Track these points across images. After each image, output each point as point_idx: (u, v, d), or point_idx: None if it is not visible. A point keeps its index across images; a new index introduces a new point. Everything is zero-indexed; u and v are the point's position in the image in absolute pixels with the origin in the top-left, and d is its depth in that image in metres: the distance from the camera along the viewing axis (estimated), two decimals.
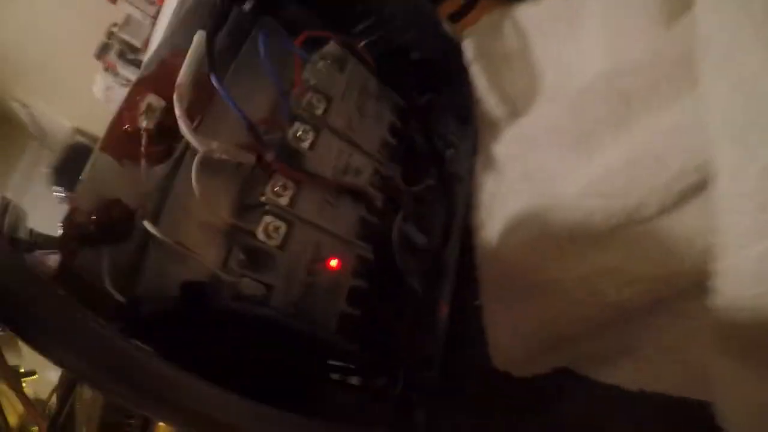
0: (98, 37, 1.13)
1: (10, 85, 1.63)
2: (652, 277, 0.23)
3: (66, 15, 1.20)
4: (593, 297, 0.24)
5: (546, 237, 0.26)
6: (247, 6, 0.39)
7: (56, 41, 1.29)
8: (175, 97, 0.31)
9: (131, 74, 1.18)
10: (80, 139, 1.56)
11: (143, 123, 0.33)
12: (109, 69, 1.15)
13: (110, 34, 1.10)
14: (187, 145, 0.32)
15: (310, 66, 0.36)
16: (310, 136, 0.32)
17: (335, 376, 0.32)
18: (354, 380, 0.31)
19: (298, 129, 0.32)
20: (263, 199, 0.29)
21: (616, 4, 0.34)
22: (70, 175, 1.39)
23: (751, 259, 0.20)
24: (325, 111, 0.33)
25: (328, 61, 0.36)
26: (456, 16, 0.52)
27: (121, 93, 1.26)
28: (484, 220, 0.33)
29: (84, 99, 1.29)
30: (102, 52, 1.13)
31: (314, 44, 0.38)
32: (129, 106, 0.34)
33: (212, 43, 0.33)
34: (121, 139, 0.34)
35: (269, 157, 0.29)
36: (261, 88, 0.35)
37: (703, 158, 0.24)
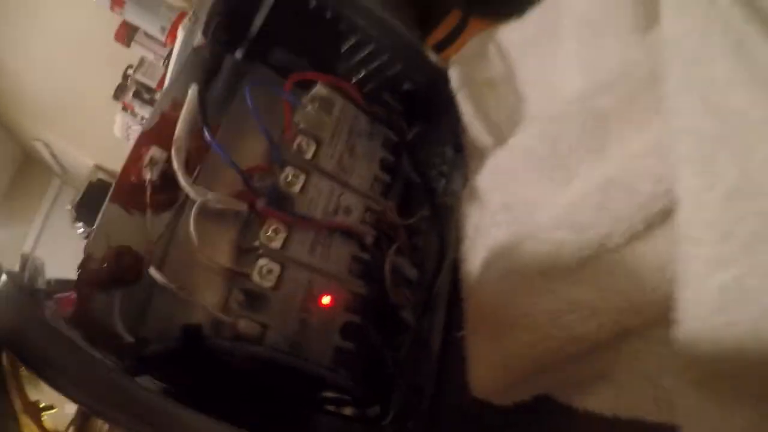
0: (116, 78, 1.20)
1: (32, 125, 1.73)
2: (621, 308, 0.24)
3: (85, 58, 1.28)
4: (561, 331, 0.25)
5: (518, 271, 0.28)
6: (238, 54, 0.43)
7: (76, 83, 1.37)
8: (173, 151, 0.34)
9: (148, 113, 1.24)
10: (101, 176, 1.64)
11: (147, 175, 0.36)
12: (127, 109, 1.22)
13: (126, 76, 1.17)
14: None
15: (300, 110, 0.39)
16: (301, 180, 0.34)
17: (330, 407, 0.34)
18: (348, 411, 0.33)
19: (289, 174, 0.34)
20: (257, 243, 0.32)
21: (589, 19, 0.35)
22: (91, 211, 1.46)
23: (713, 291, 0.21)
24: (315, 154, 0.36)
25: (317, 104, 0.39)
26: (443, 44, 0.55)
27: (138, 130, 1.33)
28: (468, 252, 0.34)
29: (104, 137, 1.37)
30: (120, 93, 1.19)
31: (305, 86, 0.41)
32: (134, 159, 0.37)
33: (203, 97, 0.36)
34: (128, 190, 0.37)
35: (260, 204, 0.32)
36: (254, 135, 0.38)
37: (673, 181, 0.25)
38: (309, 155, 0.36)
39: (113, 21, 1.07)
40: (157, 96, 1.17)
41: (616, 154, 0.29)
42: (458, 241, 0.36)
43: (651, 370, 0.24)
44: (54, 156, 1.84)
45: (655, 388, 0.23)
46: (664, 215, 0.26)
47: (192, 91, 0.36)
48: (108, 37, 1.10)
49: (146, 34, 1.05)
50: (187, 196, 0.36)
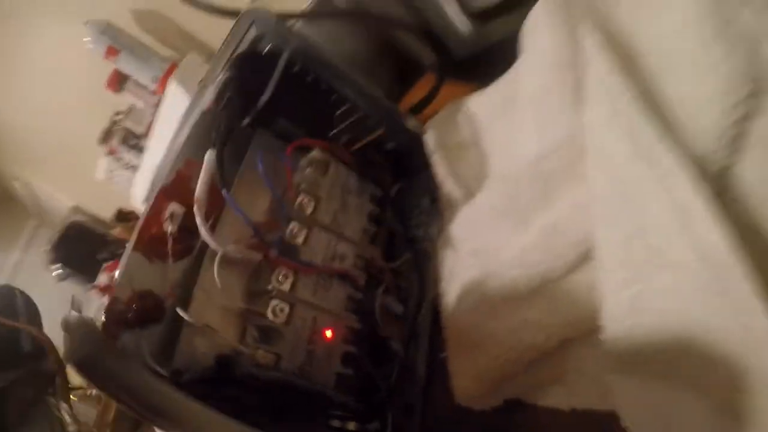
0: (101, 123, 1.26)
1: (12, 164, 1.75)
2: (563, 323, 0.32)
3: (73, 102, 1.34)
4: (519, 344, 0.33)
5: (485, 302, 0.36)
6: (245, 122, 0.50)
7: (62, 126, 1.42)
8: (195, 209, 0.41)
9: (133, 158, 1.30)
10: (79, 218, 1.67)
11: (168, 228, 0.43)
12: (112, 153, 1.28)
13: (114, 122, 1.23)
14: (204, 243, 0.42)
15: (299, 172, 0.47)
16: (303, 233, 0.42)
17: (335, 423, 0.40)
18: (351, 425, 0.40)
19: (294, 228, 0.42)
20: (270, 287, 0.39)
21: (539, 94, 0.44)
22: (70, 253, 1.48)
23: (624, 302, 0.29)
24: (314, 210, 0.44)
25: (314, 167, 0.46)
26: (420, 105, 0.64)
27: (123, 175, 1.37)
28: (445, 289, 0.42)
29: (86, 180, 1.41)
30: (105, 137, 1.25)
31: (303, 149, 0.48)
32: (155, 213, 0.44)
33: (222, 163, 0.43)
34: (149, 241, 0.44)
35: (273, 254, 0.39)
36: (261, 193, 0.45)
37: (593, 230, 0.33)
38: (309, 211, 0.44)
39: (105, 68, 1.14)
40: (144, 142, 1.24)
41: (559, 206, 0.38)
42: (436, 280, 0.44)
43: (592, 369, 0.32)
44: (33, 196, 1.87)
45: (597, 383, 0.31)
46: (589, 252, 0.34)
47: (210, 155, 0.44)
48: (97, 83, 1.17)
49: (137, 83, 1.13)
50: (201, 246, 0.42)
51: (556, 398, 0.33)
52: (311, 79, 0.49)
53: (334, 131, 0.53)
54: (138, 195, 1.31)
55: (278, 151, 0.49)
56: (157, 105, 1.13)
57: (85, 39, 1.08)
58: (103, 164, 1.31)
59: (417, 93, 0.66)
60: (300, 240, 0.42)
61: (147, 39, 1.15)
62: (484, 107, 0.52)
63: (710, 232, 0.24)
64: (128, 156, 1.29)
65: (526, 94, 0.46)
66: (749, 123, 0.27)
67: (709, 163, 0.27)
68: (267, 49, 0.47)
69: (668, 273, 0.26)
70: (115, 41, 1.07)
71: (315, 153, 0.48)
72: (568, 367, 0.33)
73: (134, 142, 1.24)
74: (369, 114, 0.53)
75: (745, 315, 0.23)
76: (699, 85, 0.29)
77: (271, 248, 0.40)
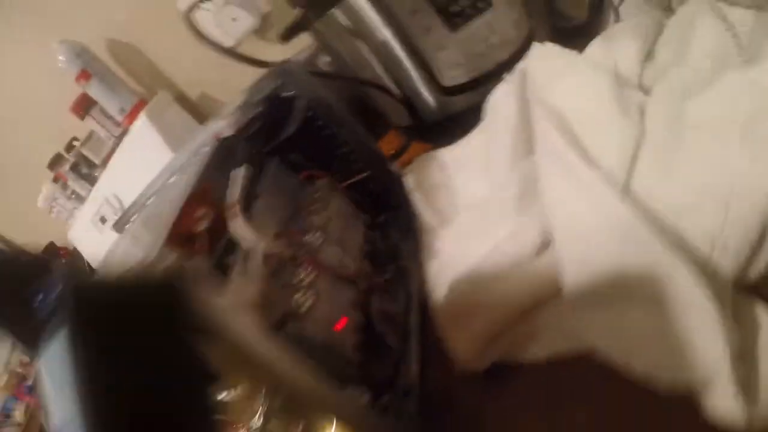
0: (54, 146, 1.26)
1: None
2: (532, 294, 0.45)
3: (30, 122, 1.31)
4: (503, 308, 0.45)
5: (469, 290, 0.49)
6: (264, 150, 0.60)
7: (12, 140, 1.38)
8: (231, 212, 0.50)
9: (80, 188, 1.30)
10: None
11: (199, 227, 0.51)
12: (58, 180, 1.27)
13: (70, 147, 1.24)
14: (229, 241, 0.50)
15: (310, 194, 0.57)
16: (320, 241, 0.52)
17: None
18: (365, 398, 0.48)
19: (313, 236, 0.51)
20: (295, 281, 0.48)
21: (488, 148, 0.59)
22: None
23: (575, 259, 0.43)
24: (325, 226, 0.54)
25: (323, 192, 0.57)
26: (394, 156, 0.77)
27: (65, 204, 1.35)
28: (432, 289, 0.54)
29: (22, 206, 1.37)
30: (56, 161, 1.25)
31: (309, 178, 0.59)
32: (186, 214, 0.52)
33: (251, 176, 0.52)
34: (179, 238, 0.51)
35: (302, 252, 0.48)
36: (277, 208, 0.55)
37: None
38: (322, 224, 0.54)
39: (72, 91, 1.16)
40: (97, 172, 1.25)
41: (513, 222, 0.52)
42: (422, 284, 0.56)
43: (558, 324, 0.44)
44: None
45: (563, 333, 0.43)
46: (545, 243, 0.47)
47: (244, 170, 0.53)
48: (61, 105, 1.18)
49: (103, 111, 1.16)
50: (227, 242, 0.50)
51: (533, 352, 0.44)
52: (321, 124, 0.61)
53: (336, 167, 0.64)
54: (76, 231, 1.29)
55: (288, 177, 0.59)
56: (120, 137, 1.17)
57: (59, 57, 1.10)
58: (47, 190, 1.29)
59: (384, 146, 0.80)
60: (317, 246, 0.51)
61: (117, 70, 1.20)
62: (451, 159, 0.67)
63: (621, 210, 0.40)
64: (75, 185, 1.29)
65: (490, 149, 0.61)
66: (636, 159, 0.43)
67: (616, 179, 0.43)
68: (291, 94, 0.58)
69: (603, 235, 0.41)
70: (88, 65, 1.11)
71: (323, 182, 0.58)
72: (539, 326, 0.45)
73: (86, 171, 1.25)
74: (359, 155, 0.65)
75: (650, 252, 0.37)
76: (608, 138, 0.45)
77: (300, 249, 0.49)
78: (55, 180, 1.29)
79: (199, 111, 1.24)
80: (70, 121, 1.21)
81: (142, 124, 1.12)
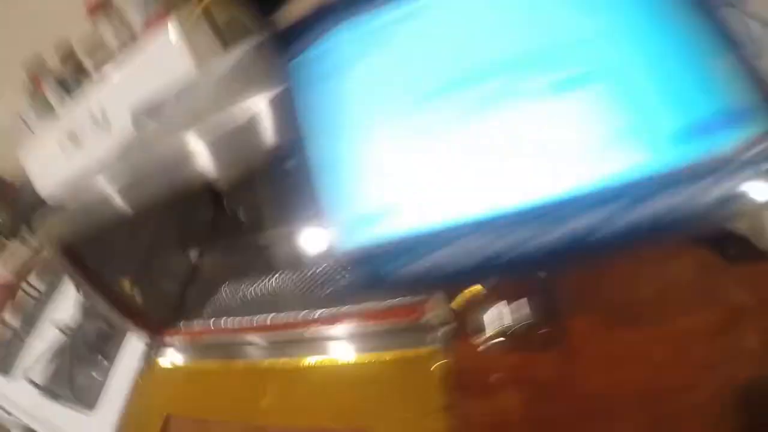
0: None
1: None
2: None
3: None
4: None
5: None
6: None
7: None
8: None
9: (55, 101, 1.09)
10: None
11: None
12: (35, 83, 1.06)
13: (68, 49, 1.04)
14: None
15: None
16: None
17: None
18: None
19: None
20: None
21: None
22: None
23: None
24: None
25: None
26: None
27: (29, 120, 1.12)
28: None
29: None
30: (40, 64, 1.05)
31: None
32: None
33: None
34: None
35: None
36: None
37: None
38: None
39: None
40: (83, 86, 1.05)
41: None
42: None
43: None
44: None
45: None
46: None
47: None
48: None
49: (122, 17, 0.99)
50: None
51: None
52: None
53: None
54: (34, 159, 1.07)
55: None
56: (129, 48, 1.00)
57: None
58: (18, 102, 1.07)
59: None
60: None
61: None
62: None
63: None
64: (51, 95, 1.08)
65: None
66: None
67: None
68: None
69: None
70: None
71: None
72: None
73: (73, 82, 1.05)
74: None
75: None
76: None
77: None
78: (32, 81, 1.07)
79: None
80: (73, 21, 1.03)
81: (168, 37, 0.96)
